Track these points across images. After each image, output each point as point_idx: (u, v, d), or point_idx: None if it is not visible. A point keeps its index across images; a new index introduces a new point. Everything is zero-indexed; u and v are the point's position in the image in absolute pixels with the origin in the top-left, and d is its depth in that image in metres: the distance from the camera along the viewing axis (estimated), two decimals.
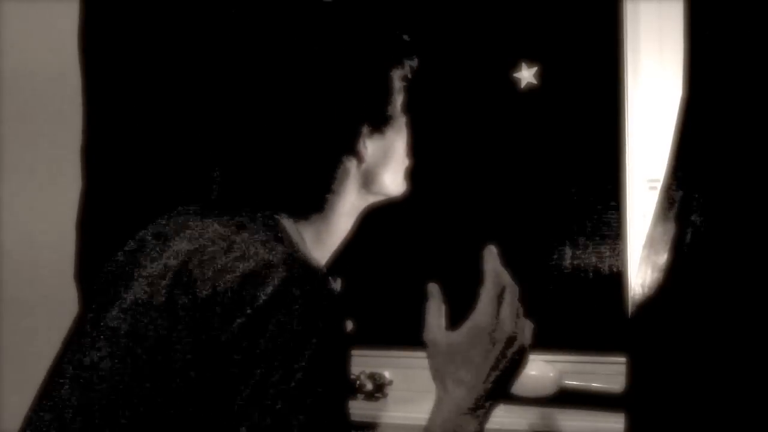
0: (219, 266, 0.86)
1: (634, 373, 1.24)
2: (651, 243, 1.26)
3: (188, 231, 0.94)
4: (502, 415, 1.56)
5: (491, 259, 1.12)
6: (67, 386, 0.90)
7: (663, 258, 1.23)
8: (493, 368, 1.05)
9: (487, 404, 1.07)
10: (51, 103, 1.77)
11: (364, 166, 1.05)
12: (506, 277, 1.12)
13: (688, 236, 1.22)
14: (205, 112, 1.01)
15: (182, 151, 1.57)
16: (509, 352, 1.06)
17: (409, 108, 1.13)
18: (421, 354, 1.72)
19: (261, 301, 0.82)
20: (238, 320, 0.81)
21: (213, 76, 1.02)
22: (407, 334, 1.80)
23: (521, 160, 1.78)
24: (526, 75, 1.76)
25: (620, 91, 1.63)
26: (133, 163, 1.60)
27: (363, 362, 1.73)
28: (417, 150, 1.53)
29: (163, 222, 1.01)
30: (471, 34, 1.82)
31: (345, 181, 1.04)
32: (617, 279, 1.69)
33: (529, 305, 1.77)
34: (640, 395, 1.24)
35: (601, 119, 1.68)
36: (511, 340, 1.07)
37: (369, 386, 1.68)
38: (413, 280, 1.83)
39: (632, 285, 1.30)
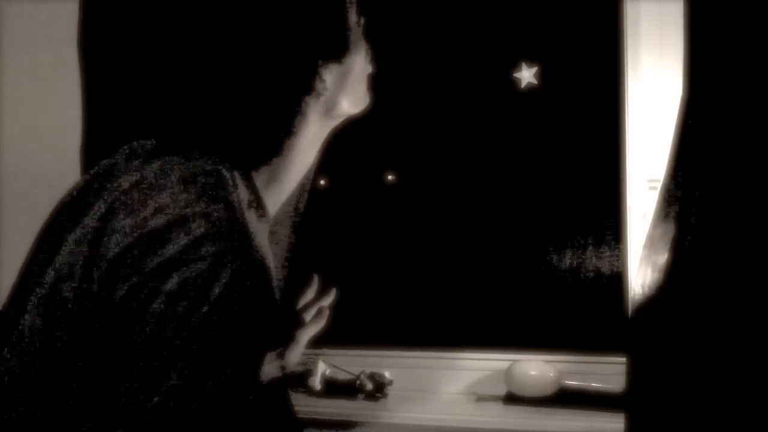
0: (131, 222, 0.84)
1: (634, 373, 1.24)
2: (651, 243, 1.26)
3: (113, 182, 0.92)
4: (502, 415, 1.57)
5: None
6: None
7: (663, 258, 1.23)
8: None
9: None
10: (50, 102, 1.77)
11: (323, 98, 1.00)
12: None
13: (688, 236, 1.21)
14: (204, 108, 0.98)
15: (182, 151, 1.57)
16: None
17: (368, 32, 1.05)
18: (421, 354, 1.73)
19: (165, 257, 0.80)
20: (135, 278, 0.80)
21: (211, 70, 0.99)
22: (407, 334, 1.80)
23: (521, 160, 1.78)
24: (526, 75, 1.76)
25: (620, 91, 1.63)
26: None
27: (363, 362, 1.73)
28: (417, 150, 1.54)
29: (96, 171, 0.99)
30: (471, 33, 1.82)
31: (305, 118, 0.99)
32: (617, 279, 1.69)
33: (530, 305, 1.78)
34: (639, 395, 1.24)
35: (601, 119, 1.68)
36: None
37: (369, 386, 1.68)
38: (413, 281, 1.84)
39: (632, 285, 1.30)
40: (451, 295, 1.81)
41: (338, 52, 1.00)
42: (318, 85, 0.98)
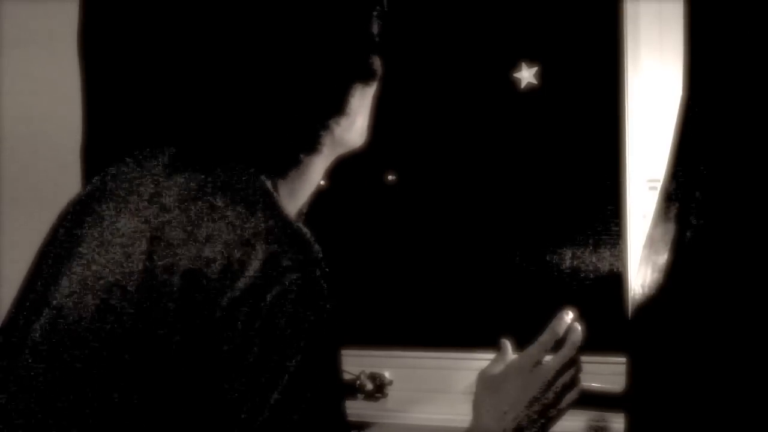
0: (197, 238, 0.81)
1: (634, 373, 1.24)
2: (651, 243, 1.26)
3: (152, 190, 0.89)
4: None
5: (563, 318, 1.20)
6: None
7: (663, 258, 1.23)
8: (527, 406, 1.11)
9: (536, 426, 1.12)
10: (50, 103, 1.77)
11: (346, 119, 1.00)
12: (572, 338, 1.17)
13: (688, 236, 1.21)
14: (204, 105, 0.96)
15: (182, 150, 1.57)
16: (544, 398, 1.12)
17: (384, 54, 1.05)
18: (421, 354, 1.73)
19: (248, 277, 0.77)
20: (225, 300, 0.77)
21: (212, 67, 0.98)
22: (407, 334, 1.80)
23: (521, 160, 1.78)
24: (526, 75, 1.76)
25: (620, 91, 1.63)
26: None
27: (363, 362, 1.73)
28: (417, 150, 1.54)
29: (116, 182, 0.95)
30: (471, 34, 1.82)
31: (327, 137, 0.99)
32: (617, 279, 1.69)
33: (530, 305, 1.78)
34: (640, 395, 1.24)
35: (601, 119, 1.68)
36: (547, 386, 1.12)
37: (369, 386, 1.68)
38: (413, 281, 1.83)
39: (632, 285, 1.30)
40: (451, 295, 1.81)
41: (371, 75, 1.02)
42: (346, 106, 0.99)
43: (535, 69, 1.75)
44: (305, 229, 0.85)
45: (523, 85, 1.76)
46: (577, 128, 1.73)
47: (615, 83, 1.63)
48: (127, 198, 0.91)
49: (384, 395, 1.68)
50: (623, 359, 1.27)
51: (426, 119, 1.83)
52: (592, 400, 1.55)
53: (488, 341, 1.75)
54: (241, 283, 0.77)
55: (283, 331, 0.76)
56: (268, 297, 0.77)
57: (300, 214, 1.05)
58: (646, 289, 1.25)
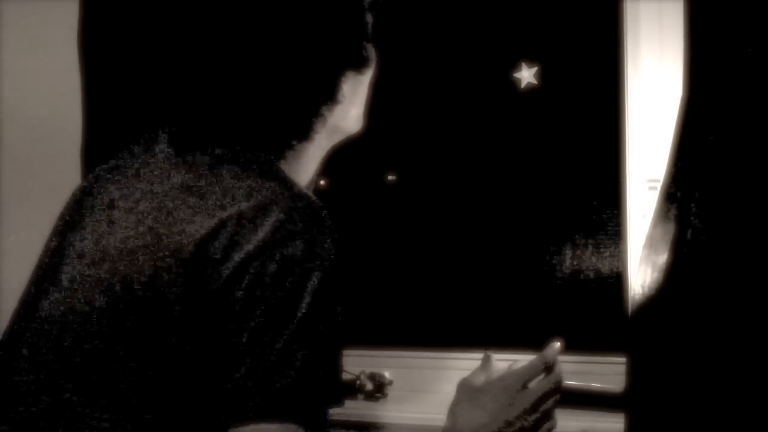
0: (209, 206, 0.83)
1: (634, 373, 1.24)
2: (651, 243, 1.26)
3: (162, 166, 0.91)
4: None
5: (552, 350, 1.23)
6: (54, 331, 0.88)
7: (663, 258, 1.23)
8: (504, 426, 1.13)
9: None
10: (51, 103, 1.77)
11: (337, 107, 1.01)
12: (557, 368, 1.22)
13: (688, 236, 1.21)
14: (225, 105, 0.97)
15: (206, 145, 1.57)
16: (524, 420, 1.14)
17: (376, 41, 1.06)
18: (421, 354, 1.73)
19: (260, 238, 0.80)
20: (236, 259, 0.80)
21: (207, 57, 0.98)
22: (407, 334, 1.80)
23: (521, 160, 1.78)
24: (526, 75, 1.76)
25: (620, 91, 1.63)
26: None
27: (363, 362, 1.73)
28: (418, 150, 1.54)
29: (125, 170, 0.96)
30: (471, 34, 1.82)
31: (319, 124, 1.00)
32: (617, 279, 1.69)
33: (530, 305, 1.78)
34: (640, 395, 1.24)
35: (601, 119, 1.68)
36: (524, 413, 1.14)
37: (369, 386, 1.68)
38: (413, 281, 1.84)
39: (632, 285, 1.30)
40: (451, 295, 1.81)
41: (362, 62, 1.02)
42: (339, 94, 1.00)
43: (535, 69, 1.75)
44: (316, 199, 0.87)
45: (523, 85, 1.76)
46: (577, 128, 1.73)
47: (615, 83, 1.63)
48: (138, 175, 0.93)
49: (384, 395, 1.68)
50: (623, 359, 1.27)
51: (426, 119, 1.83)
52: (592, 400, 1.55)
53: (488, 341, 1.75)
54: (251, 245, 0.80)
55: (288, 293, 0.79)
56: (276, 258, 0.79)
57: None
58: (646, 289, 1.25)
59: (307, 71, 0.96)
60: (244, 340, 0.79)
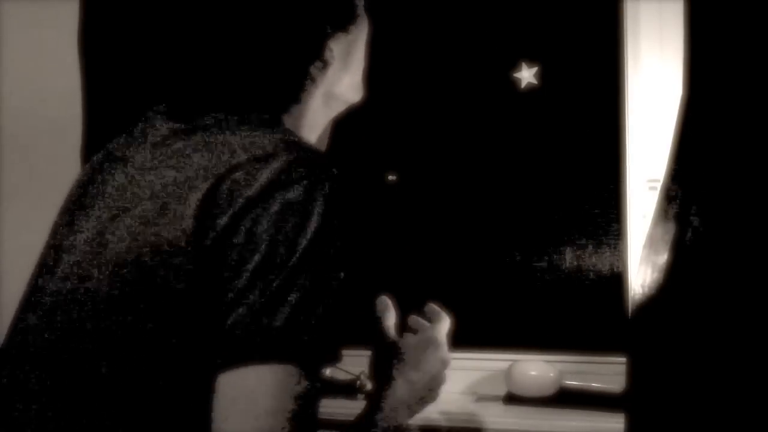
0: (222, 155, 0.85)
1: (634, 373, 1.24)
2: (651, 243, 1.26)
3: (174, 127, 0.93)
4: (502, 415, 1.57)
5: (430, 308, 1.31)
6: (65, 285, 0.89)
7: (663, 258, 1.23)
8: (434, 378, 1.21)
9: (421, 402, 1.21)
10: (51, 103, 1.77)
11: (330, 69, 1.02)
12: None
13: (688, 236, 1.21)
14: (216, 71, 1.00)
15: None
16: (442, 376, 1.22)
17: (370, 6, 1.09)
18: None
19: (260, 184, 0.81)
20: (237, 206, 0.81)
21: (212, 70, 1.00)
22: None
23: (521, 160, 1.78)
24: (526, 75, 1.76)
25: (620, 91, 1.63)
26: None
27: (363, 362, 1.73)
28: (418, 150, 1.54)
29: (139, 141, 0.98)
30: (471, 34, 1.82)
31: (313, 87, 1.02)
32: (617, 279, 1.69)
33: (530, 305, 1.78)
34: (639, 395, 1.24)
35: (601, 119, 1.68)
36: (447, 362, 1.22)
37: (369, 386, 1.68)
38: (414, 281, 1.83)
39: (632, 285, 1.30)
40: (451, 295, 1.80)
41: (346, 20, 1.03)
42: (326, 53, 1.01)
43: (535, 69, 1.75)
44: (322, 152, 0.89)
45: (523, 85, 1.76)
46: (577, 128, 1.73)
47: (615, 83, 1.63)
48: (141, 148, 0.95)
49: None
50: (623, 359, 1.27)
51: (426, 119, 1.83)
52: (592, 400, 1.55)
53: (488, 341, 1.76)
54: (251, 191, 0.81)
55: (287, 235, 0.80)
56: (276, 202, 0.81)
57: None
58: (646, 289, 1.25)
59: (291, 29, 0.98)
60: (242, 282, 0.79)
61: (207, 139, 0.89)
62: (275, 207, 0.80)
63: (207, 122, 0.92)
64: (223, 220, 0.81)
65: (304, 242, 0.80)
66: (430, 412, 1.58)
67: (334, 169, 0.86)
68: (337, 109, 1.09)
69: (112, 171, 0.95)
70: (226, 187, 0.82)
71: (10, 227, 1.78)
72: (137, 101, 1.61)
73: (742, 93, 1.22)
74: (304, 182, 0.82)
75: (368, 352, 1.76)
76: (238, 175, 0.82)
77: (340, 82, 1.05)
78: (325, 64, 1.01)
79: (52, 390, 0.84)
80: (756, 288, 1.17)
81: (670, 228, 1.23)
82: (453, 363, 1.74)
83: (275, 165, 0.83)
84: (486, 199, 1.79)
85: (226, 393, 0.78)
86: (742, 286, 1.17)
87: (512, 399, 1.62)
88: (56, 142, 1.76)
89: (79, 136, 1.69)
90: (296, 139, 0.89)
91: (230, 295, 0.79)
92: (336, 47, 1.02)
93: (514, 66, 1.76)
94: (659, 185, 1.29)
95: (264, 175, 0.82)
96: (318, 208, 0.82)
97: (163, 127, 0.95)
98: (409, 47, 1.81)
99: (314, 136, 1.07)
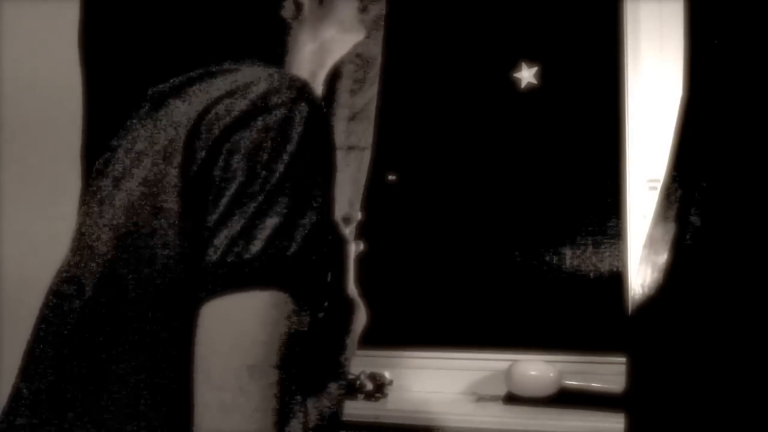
0: (210, 89, 0.86)
1: (634, 373, 1.24)
2: (651, 243, 1.26)
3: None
4: (502, 415, 1.57)
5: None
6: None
7: (663, 258, 1.23)
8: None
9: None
10: (51, 104, 1.77)
11: (304, 14, 1.04)
12: None
13: (688, 236, 1.21)
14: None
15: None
16: None
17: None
18: (421, 354, 1.73)
19: (240, 109, 0.80)
20: (216, 132, 0.80)
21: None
22: (407, 335, 1.80)
23: (521, 160, 1.78)
24: (526, 75, 1.76)
25: (620, 91, 1.63)
26: None
27: (363, 362, 1.73)
28: (418, 150, 1.54)
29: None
30: (471, 34, 1.82)
31: (294, 36, 1.03)
32: (617, 279, 1.69)
33: (530, 305, 1.78)
34: (640, 395, 1.24)
35: (602, 119, 1.68)
36: None
37: (369, 386, 1.68)
38: (413, 281, 1.83)
39: (632, 285, 1.30)
40: (451, 295, 1.81)
41: None
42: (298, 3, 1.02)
43: (535, 69, 1.75)
44: (310, 84, 0.87)
45: (523, 85, 1.76)
46: (577, 128, 1.73)
47: (615, 83, 1.63)
48: (149, 104, 0.98)
49: (384, 395, 1.68)
50: (623, 359, 1.27)
51: (426, 119, 1.83)
52: (592, 400, 1.55)
53: (488, 341, 1.76)
54: (230, 118, 0.80)
55: (266, 157, 0.78)
56: (256, 126, 0.79)
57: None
58: (646, 289, 1.25)
59: None
60: (220, 210, 0.77)
61: (196, 87, 0.89)
62: (253, 133, 0.79)
63: (198, 72, 0.92)
64: (202, 153, 0.80)
65: (281, 166, 0.77)
66: (431, 412, 1.59)
67: (315, 95, 0.84)
68: (335, 53, 1.09)
69: (122, 139, 0.97)
70: (207, 120, 0.81)
71: (10, 227, 1.78)
72: (138, 101, 1.61)
73: (742, 93, 1.22)
74: (282, 108, 0.80)
75: (368, 353, 1.77)
76: (218, 107, 0.82)
77: (325, 25, 1.06)
78: (298, 9, 1.03)
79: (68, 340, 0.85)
80: (756, 288, 1.17)
81: (670, 228, 1.24)
82: (453, 363, 1.76)
83: (253, 92, 0.81)
84: (486, 199, 1.80)
85: (207, 325, 0.75)
86: (742, 286, 1.18)
87: (512, 399, 1.62)
88: (56, 141, 1.76)
89: (80, 136, 1.69)
90: (275, 69, 0.88)
91: (211, 224, 0.77)
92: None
93: (514, 66, 1.76)
94: (659, 185, 1.29)
95: (242, 103, 0.81)
96: (296, 132, 0.79)
97: (161, 87, 0.97)
98: (409, 47, 1.81)
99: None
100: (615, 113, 1.63)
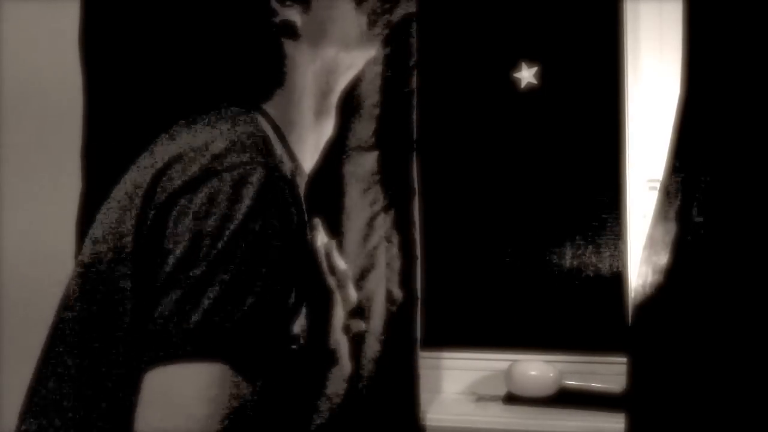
0: (170, 146, 0.87)
1: (634, 373, 1.24)
2: (651, 243, 1.26)
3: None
4: (502, 415, 1.57)
5: None
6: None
7: (663, 258, 1.23)
8: None
9: None
10: (51, 103, 1.77)
11: (302, 41, 0.99)
12: None
13: (689, 236, 1.21)
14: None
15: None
16: None
17: None
18: (421, 354, 1.73)
19: (190, 174, 0.79)
20: (167, 193, 0.80)
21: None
22: None
23: (521, 160, 1.78)
24: (526, 75, 1.76)
25: (620, 91, 1.63)
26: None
27: None
28: (417, 149, 1.54)
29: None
30: (471, 34, 1.82)
31: (292, 61, 0.99)
32: (617, 279, 1.69)
33: (530, 305, 1.78)
34: (640, 395, 1.24)
35: (601, 119, 1.68)
36: None
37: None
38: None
39: (632, 285, 1.30)
40: (451, 295, 1.81)
41: None
42: (286, 16, 0.98)
43: (535, 69, 1.75)
44: (266, 138, 0.86)
45: (523, 85, 1.76)
46: (577, 128, 1.73)
47: (615, 83, 1.63)
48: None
49: None
50: (623, 359, 1.27)
51: (426, 119, 1.83)
52: (592, 400, 1.55)
53: (488, 341, 1.76)
54: (180, 181, 0.80)
55: (214, 223, 0.77)
56: (204, 191, 0.78)
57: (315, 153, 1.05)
58: (646, 289, 1.25)
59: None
60: (165, 275, 0.76)
61: (166, 138, 0.90)
62: (201, 198, 0.77)
63: (177, 125, 0.92)
64: (152, 215, 0.80)
65: (227, 234, 0.76)
66: (431, 412, 1.59)
67: (271, 163, 0.82)
68: (343, 73, 1.05)
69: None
70: (161, 184, 0.81)
71: (10, 228, 1.78)
72: (138, 100, 1.61)
73: (741, 92, 1.22)
74: (233, 172, 0.78)
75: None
76: (171, 171, 0.81)
77: (325, 43, 1.00)
78: (292, 29, 0.98)
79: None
80: (756, 288, 1.17)
81: (670, 228, 1.23)
82: (453, 363, 1.76)
83: (206, 156, 0.80)
84: (486, 199, 1.79)
85: (148, 394, 0.74)
86: (742, 286, 1.17)
87: (512, 399, 1.62)
88: (57, 141, 1.76)
89: (79, 138, 1.69)
90: (237, 129, 0.86)
91: (157, 289, 0.76)
92: (299, 18, 0.99)
93: (514, 66, 1.76)
94: (659, 185, 1.29)
95: (193, 168, 0.80)
96: (246, 198, 0.77)
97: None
98: None
99: (309, 117, 1.02)
100: (615, 113, 1.63)
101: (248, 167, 0.79)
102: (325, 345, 0.92)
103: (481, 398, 1.67)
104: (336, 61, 1.02)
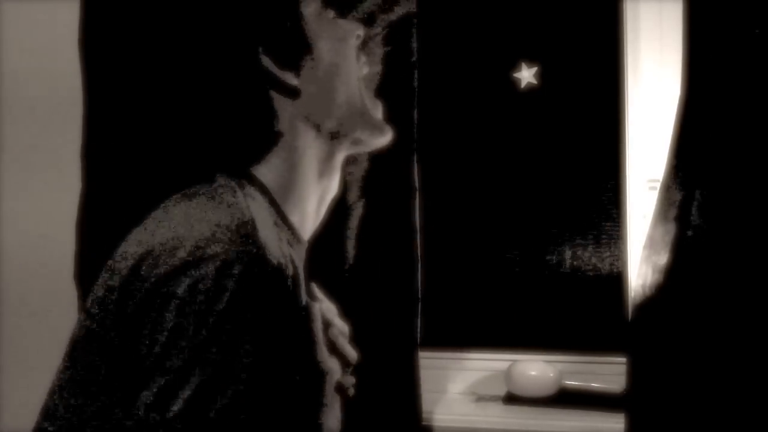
0: (141, 240, 0.85)
1: (634, 373, 1.24)
2: (651, 243, 1.26)
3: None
4: (502, 415, 1.57)
5: None
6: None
7: (663, 258, 1.23)
8: None
9: None
10: (51, 103, 1.77)
11: (301, 100, 0.95)
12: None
13: (689, 236, 1.21)
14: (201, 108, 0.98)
15: (183, 152, 1.57)
16: None
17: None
18: (421, 354, 1.73)
19: (171, 263, 0.79)
20: (149, 284, 0.79)
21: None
22: None
23: (521, 160, 1.78)
24: (526, 75, 1.76)
25: (620, 91, 1.63)
26: (133, 164, 1.60)
27: None
28: (417, 149, 1.54)
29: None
30: (471, 34, 1.82)
31: (287, 124, 0.95)
32: (617, 279, 1.69)
33: (529, 305, 1.78)
34: (639, 395, 1.24)
35: (601, 119, 1.68)
36: None
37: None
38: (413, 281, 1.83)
39: (632, 285, 1.30)
40: (451, 295, 1.81)
41: (281, 41, 0.95)
42: (284, 80, 0.94)
43: (535, 69, 1.75)
44: (255, 229, 0.83)
45: (523, 85, 1.76)
46: (577, 128, 1.73)
47: (615, 83, 1.63)
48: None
49: None
50: (623, 359, 1.27)
51: (426, 119, 1.83)
52: (592, 400, 1.55)
53: (488, 341, 1.76)
54: (161, 270, 0.79)
55: (194, 315, 0.77)
56: (185, 281, 0.78)
57: (314, 216, 1.01)
58: (646, 289, 1.25)
59: (220, 54, 0.94)
60: (147, 365, 0.77)
61: (156, 217, 0.88)
62: (181, 289, 0.77)
63: (169, 200, 0.90)
64: (131, 307, 0.80)
65: (207, 325, 0.76)
66: (431, 412, 1.59)
67: (257, 243, 0.81)
68: (350, 151, 1.01)
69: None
70: (141, 273, 0.81)
71: (10, 228, 1.78)
72: (138, 101, 1.61)
73: (741, 93, 1.22)
74: (214, 261, 0.78)
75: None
76: (148, 260, 0.81)
77: (320, 110, 0.97)
78: (290, 95, 0.95)
79: None
80: (756, 288, 1.17)
81: (670, 228, 1.24)
82: (453, 363, 1.75)
83: (187, 246, 0.79)
84: (486, 199, 1.79)
85: None
86: (742, 285, 1.18)
87: (512, 399, 1.62)
88: (57, 141, 1.75)
89: (79, 138, 1.69)
90: (220, 219, 0.83)
91: (140, 377, 0.78)
92: (304, 83, 0.95)
93: (514, 66, 1.76)
94: (659, 185, 1.29)
95: (178, 255, 0.79)
96: (227, 292, 0.77)
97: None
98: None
99: (311, 177, 0.98)
100: (615, 113, 1.63)
101: (233, 255, 0.78)
102: (316, 420, 0.91)
103: (481, 398, 1.67)
104: (330, 110, 0.98)
